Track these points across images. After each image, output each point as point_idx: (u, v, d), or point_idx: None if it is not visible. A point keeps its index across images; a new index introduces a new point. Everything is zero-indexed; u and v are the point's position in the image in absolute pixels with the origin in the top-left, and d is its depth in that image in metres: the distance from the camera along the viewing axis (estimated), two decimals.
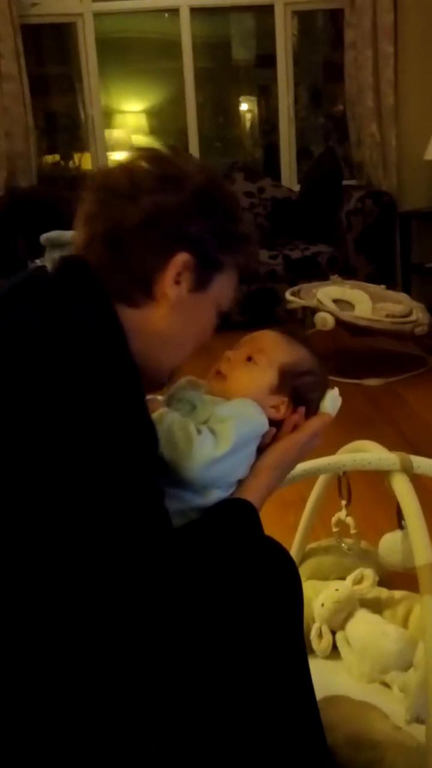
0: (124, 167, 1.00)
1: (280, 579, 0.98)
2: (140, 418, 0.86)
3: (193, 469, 0.93)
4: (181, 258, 0.97)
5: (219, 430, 0.97)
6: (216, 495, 0.97)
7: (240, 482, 1.01)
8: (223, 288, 1.04)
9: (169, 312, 0.98)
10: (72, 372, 0.80)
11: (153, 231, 0.95)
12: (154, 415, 0.96)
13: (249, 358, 1.08)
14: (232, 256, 1.03)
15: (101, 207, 0.97)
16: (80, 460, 0.78)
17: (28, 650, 0.83)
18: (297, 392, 1.08)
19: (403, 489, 1.31)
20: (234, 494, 0.99)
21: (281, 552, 1.00)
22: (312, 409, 1.10)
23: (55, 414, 0.78)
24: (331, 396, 1.13)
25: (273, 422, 1.06)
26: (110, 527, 0.79)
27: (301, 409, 1.08)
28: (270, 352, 1.09)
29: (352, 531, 1.55)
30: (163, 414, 0.98)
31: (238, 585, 0.89)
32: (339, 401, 1.13)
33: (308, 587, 1.61)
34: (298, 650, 1.03)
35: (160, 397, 1.08)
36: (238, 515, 0.96)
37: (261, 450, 1.05)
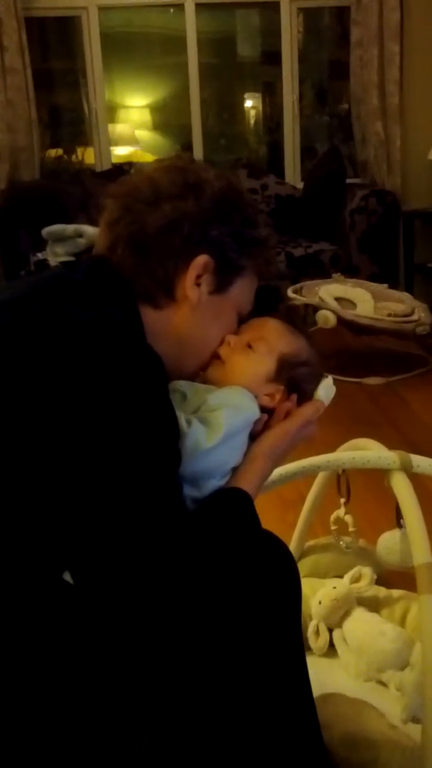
0: (145, 176, 1.03)
1: (278, 569, 0.99)
2: (165, 409, 0.87)
3: (186, 463, 0.93)
4: (202, 260, 1.00)
5: (210, 420, 0.97)
6: (211, 484, 0.97)
7: (234, 469, 1.01)
8: (243, 292, 1.07)
9: (191, 314, 1.01)
10: (106, 366, 0.82)
11: (174, 235, 0.98)
12: None
13: (249, 345, 1.08)
14: (251, 259, 1.06)
15: (124, 213, 1.00)
16: (107, 447, 0.80)
17: (26, 641, 0.83)
18: (293, 382, 1.08)
19: (402, 488, 1.31)
20: (229, 483, 0.99)
21: (278, 543, 1.00)
22: (305, 400, 1.10)
23: (90, 402, 0.80)
24: (325, 384, 1.12)
25: (266, 410, 1.06)
26: (124, 511, 0.80)
27: (293, 397, 1.08)
28: (271, 340, 1.09)
29: (351, 529, 1.55)
30: None
31: (236, 576, 0.89)
32: (333, 390, 1.13)
33: (306, 585, 1.60)
34: (296, 642, 1.03)
35: None
36: (234, 506, 0.96)
37: (254, 437, 1.04)
